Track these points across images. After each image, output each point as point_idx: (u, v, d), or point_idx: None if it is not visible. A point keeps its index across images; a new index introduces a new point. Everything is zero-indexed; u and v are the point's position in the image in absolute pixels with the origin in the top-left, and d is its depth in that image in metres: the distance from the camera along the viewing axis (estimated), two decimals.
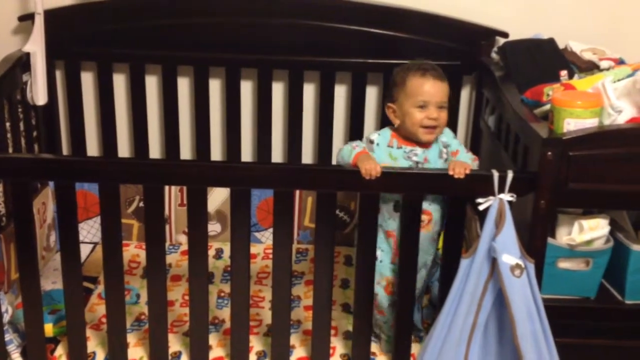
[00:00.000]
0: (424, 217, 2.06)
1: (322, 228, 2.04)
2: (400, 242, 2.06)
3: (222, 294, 2.55)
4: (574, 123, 1.89)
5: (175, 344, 2.29)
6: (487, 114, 2.54)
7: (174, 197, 2.82)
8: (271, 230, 2.08)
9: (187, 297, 2.32)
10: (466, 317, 1.95)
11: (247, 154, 2.85)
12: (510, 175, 1.89)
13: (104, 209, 2.03)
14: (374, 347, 2.26)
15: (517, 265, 1.87)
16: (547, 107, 2.03)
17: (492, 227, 1.89)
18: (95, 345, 2.27)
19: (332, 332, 2.26)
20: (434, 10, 2.63)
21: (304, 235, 2.89)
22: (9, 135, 2.46)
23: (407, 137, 2.15)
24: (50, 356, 2.22)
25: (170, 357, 2.21)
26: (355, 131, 2.75)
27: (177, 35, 2.67)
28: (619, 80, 2.06)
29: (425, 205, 2.09)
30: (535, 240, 1.95)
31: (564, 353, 1.98)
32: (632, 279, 2.03)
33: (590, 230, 1.97)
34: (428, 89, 2.10)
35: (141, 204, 2.80)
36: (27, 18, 2.63)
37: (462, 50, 2.64)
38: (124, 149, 2.86)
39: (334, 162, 2.74)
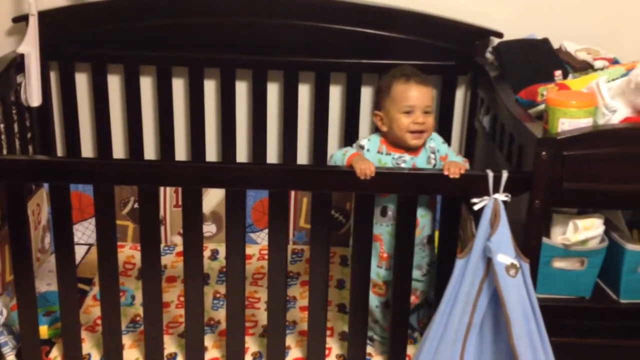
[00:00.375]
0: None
1: (317, 229, 2.04)
2: (395, 245, 2.06)
3: (218, 295, 2.55)
4: (568, 123, 1.90)
5: (170, 345, 2.28)
6: (482, 114, 2.54)
7: (169, 198, 2.82)
8: (266, 231, 2.08)
9: (182, 298, 2.31)
10: (462, 317, 1.95)
11: (242, 154, 2.85)
12: (505, 175, 1.89)
13: (99, 210, 2.03)
14: (369, 348, 2.26)
15: (512, 265, 1.88)
16: (542, 107, 2.04)
17: (487, 227, 1.90)
18: (90, 347, 2.27)
19: (328, 332, 2.26)
20: (428, 10, 2.63)
21: (299, 235, 2.89)
22: (3, 136, 2.45)
23: (396, 143, 2.16)
24: (45, 358, 2.21)
25: (165, 359, 2.21)
26: (350, 132, 2.75)
27: (172, 36, 2.66)
28: (613, 80, 2.07)
29: None
30: (530, 240, 1.96)
31: (560, 352, 1.98)
32: (627, 278, 2.03)
33: (585, 230, 1.97)
34: (413, 95, 2.11)
35: (136, 205, 2.80)
36: (21, 19, 2.62)
37: (456, 50, 2.64)
38: (118, 150, 2.86)
39: (329, 157, 2.75)
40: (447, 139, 2.70)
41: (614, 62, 2.33)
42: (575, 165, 1.90)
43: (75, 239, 2.48)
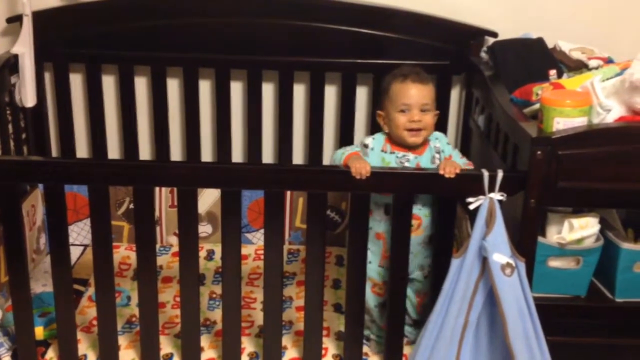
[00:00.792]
0: (413, 222, 2.07)
1: (313, 228, 2.04)
2: (391, 244, 2.06)
3: (214, 295, 2.54)
4: (563, 122, 1.90)
5: (166, 346, 2.28)
6: (477, 113, 2.54)
7: (164, 198, 2.81)
8: (262, 231, 2.08)
9: (178, 299, 2.31)
10: (457, 316, 1.95)
11: (237, 154, 2.85)
12: (500, 174, 1.89)
13: (94, 211, 2.02)
14: (365, 348, 2.26)
15: (508, 264, 1.88)
16: (537, 106, 2.04)
17: (482, 227, 1.90)
18: (86, 348, 2.26)
19: (324, 332, 2.26)
20: (423, 10, 2.64)
21: (295, 235, 2.89)
22: None
23: (399, 142, 2.17)
24: (40, 359, 2.21)
25: (161, 359, 2.20)
26: (345, 131, 2.76)
27: (167, 36, 2.66)
28: (607, 79, 2.07)
29: (415, 210, 2.09)
30: (525, 239, 1.96)
31: (555, 351, 1.98)
32: (622, 277, 2.03)
33: (580, 229, 1.98)
34: (408, 93, 2.12)
35: (131, 206, 2.79)
36: (15, 20, 2.62)
37: (451, 50, 2.64)
38: (113, 151, 2.85)
39: (324, 162, 2.75)
40: None
41: (609, 61, 2.34)
42: (570, 165, 1.90)
43: (71, 240, 2.48)
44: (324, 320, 2.18)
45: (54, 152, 2.83)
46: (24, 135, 2.66)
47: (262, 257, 2.12)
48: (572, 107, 1.90)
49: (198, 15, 2.65)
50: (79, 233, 2.84)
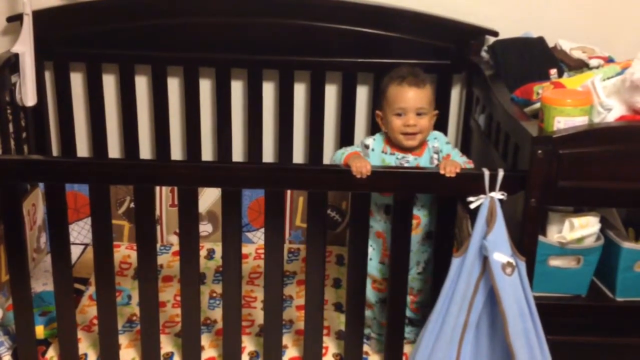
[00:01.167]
0: (412, 222, 2.07)
1: (313, 228, 2.04)
2: (391, 243, 2.06)
3: (214, 295, 2.54)
4: (563, 121, 1.90)
5: (167, 345, 2.28)
6: (478, 112, 2.54)
7: (164, 197, 2.81)
8: (263, 230, 2.07)
9: (178, 298, 2.32)
10: (458, 316, 1.95)
11: (238, 154, 2.85)
12: (501, 173, 1.89)
13: (95, 210, 2.02)
14: (366, 347, 2.26)
15: (509, 264, 1.88)
16: (537, 105, 2.04)
17: (483, 226, 1.90)
18: (86, 347, 2.26)
19: (325, 331, 2.26)
20: (424, 9, 2.64)
21: (295, 235, 2.89)
22: None
23: (397, 143, 2.17)
24: (41, 358, 2.21)
25: (162, 358, 2.20)
26: (346, 131, 2.75)
27: (167, 35, 2.66)
28: (608, 78, 2.07)
29: (414, 209, 2.09)
30: (526, 239, 1.96)
31: (556, 351, 1.98)
32: (622, 276, 2.03)
33: (581, 228, 1.97)
34: (404, 97, 2.11)
35: (132, 205, 2.79)
36: (15, 19, 2.61)
37: (452, 49, 2.64)
38: (114, 150, 2.85)
39: (325, 161, 2.75)
40: None
41: (609, 60, 2.34)
42: (571, 164, 1.90)
43: (71, 239, 2.47)
44: (325, 320, 2.18)
45: (55, 151, 2.83)
46: (24, 135, 2.66)
47: (262, 256, 2.13)
48: (572, 107, 1.90)
49: (199, 14, 2.65)
50: (80, 232, 2.84)
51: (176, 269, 2.23)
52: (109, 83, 2.78)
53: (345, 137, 2.74)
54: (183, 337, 2.16)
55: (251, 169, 2.05)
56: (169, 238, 2.87)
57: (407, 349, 2.21)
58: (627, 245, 2.01)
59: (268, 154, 2.84)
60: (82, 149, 2.85)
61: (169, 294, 2.55)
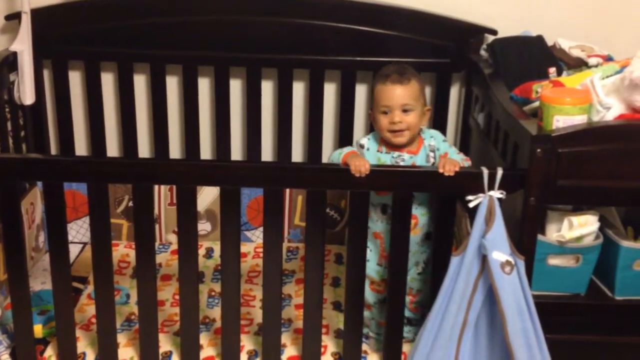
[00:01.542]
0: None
1: (312, 226, 2.04)
2: (390, 243, 2.06)
3: (213, 293, 2.54)
4: (562, 120, 1.90)
5: (165, 344, 2.28)
6: (477, 111, 2.54)
7: (163, 196, 2.81)
8: (261, 229, 2.08)
9: (177, 297, 2.31)
10: (457, 315, 1.95)
11: (236, 152, 2.85)
12: (499, 172, 1.89)
13: (93, 208, 2.02)
14: (365, 346, 2.26)
15: (507, 262, 1.88)
16: (536, 104, 2.04)
17: (482, 225, 1.90)
18: (85, 346, 2.26)
19: (323, 330, 2.26)
20: (423, 8, 2.63)
21: (294, 233, 2.88)
22: None
23: (390, 142, 2.17)
24: (39, 357, 2.21)
25: (161, 357, 2.20)
26: (345, 129, 2.75)
27: (166, 33, 2.66)
28: (607, 77, 2.07)
29: (412, 209, 2.09)
30: (525, 237, 1.96)
31: (555, 349, 1.98)
32: (621, 275, 2.03)
33: (580, 227, 1.97)
34: (388, 94, 2.12)
35: (130, 204, 2.79)
36: (13, 17, 2.61)
37: (451, 47, 2.64)
38: (112, 149, 2.85)
39: (324, 160, 2.75)
40: None
41: (608, 59, 2.33)
42: (570, 162, 1.90)
43: (70, 238, 2.48)
44: (323, 318, 2.18)
45: (53, 150, 2.83)
46: (22, 133, 2.65)
47: (261, 255, 2.13)
48: (571, 105, 1.89)
49: (197, 12, 2.65)
50: (78, 231, 2.84)
51: (175, 268, 2.23)
52: (108, 81, 2.78)
53: (344, 135, 2.74)
54: (182, 336, 2.16)
55: (250, 168, 2.05)
56: (167, 237, 2.87)
57: (405, 348, 2.20)
58: (626, 244, 2.01)
59: (267, 153, 2.84)
60: (81, 147, 2.84)
61: (167, 292, 2.54)
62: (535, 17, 2.63)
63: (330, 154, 2.24)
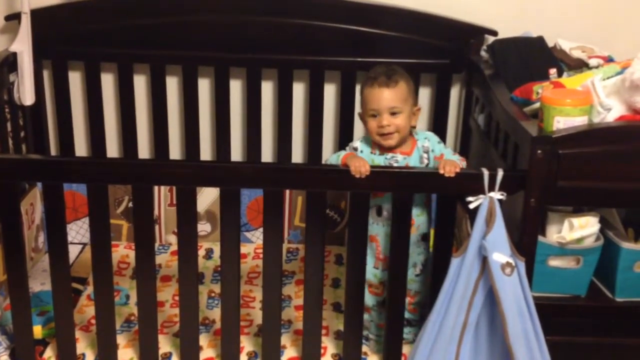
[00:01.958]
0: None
1: (312, 227, 2.03)
2: (390, 244, 2.06)
3: (213, 294, 2.54)
4: (563, 121, 1.89)
5: (165, 345, 2.28)
6: (477, 112, 2.54)
7: (163, 197, 2.81)
8: (261, 229, 2.07)
9: (177, 298, 2.31)
10: (457, 316, 1.95)
11: (236, 153, 2.84)
12: (500, 173, 1.89)
13: (93, 209, 2.02)
14: (365, 347, 2.26)
15: (508, 264, 1.87)
16: (537, 105, 2.03)
17: (482, 226, 1.89)
18: (84, 347, 2.26)
19: (323, 331, 2.26)
20: (423, 8, 2.63)
21: (294, 234, 2.88)
22: None
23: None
24: (39, 358, 2.20)
25: (160, 358, 2.20)
26: (345, 130, 2.75)
27: (166, 34, 2.65)
28: (608, 78, 2.07)
29: None
30: (525, 239, 1.95)
31: (555, 351, 1.98)
32: (622, 276, 2.03)
33: (580, 228, 1.97)
34: (375, 98, 2.11)
35: (130, 204, 2.79)
36: (13, 17, 2.61)
37: (451, 48, 2.64)
38: (112, 149, 2.85)
39: (324, 161, 2.74)
40: (442, 138, 2.69)
41: (609, 60, 2.33)
42: (571, 164, 1.90)
43: (69, 238, 2.47)
44: (323, 320, 2.18)
45: (53, 151, 2.83)
46: (22, 134, 2.65)
47: (261, 256, 2.12)
48: (572, 106, 1.89)
49: (197, 13, 2.64)
50: (78, 231, 2.84)
51: (174, 269, 2.23)
52: (108, 82, 2.77)
53: (344, 136, 2.74)
54: (181, 337, 2.15)
55: (250, 169, 2.04)
56: (167, 237, 2.87)
57: (405, 349, 2.20)
58: (627, 245, 2.01)
59: (267, 154, 2.84)
60: (81, 148, 2.84)
61: (167, 293, 2.54)
62: (536, 17, 2.63)
63: (329, 156, 2.24)
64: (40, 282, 2.53)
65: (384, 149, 2.17)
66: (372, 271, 2.22)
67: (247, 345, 2.30)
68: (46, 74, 2.75)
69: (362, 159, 1.98)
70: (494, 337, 1.99)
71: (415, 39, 2.63)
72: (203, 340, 2.29)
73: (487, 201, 1.89)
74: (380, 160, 2.16)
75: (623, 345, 2.07)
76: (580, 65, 2.34)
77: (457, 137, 2.80)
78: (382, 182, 1.97)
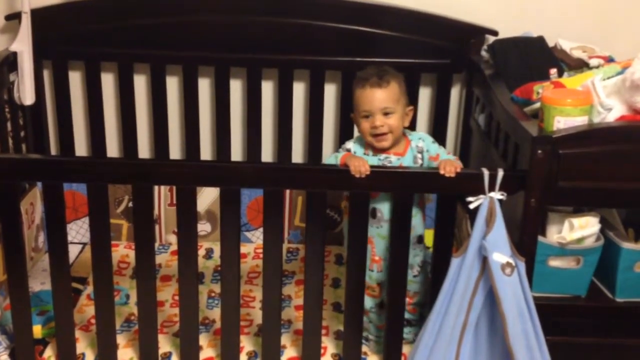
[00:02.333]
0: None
1: (312, 227, 2.03)
2: (390, 244, 2.05)
3: (213, 294, 2.54)
4: (563, 121, 1.89)
5: (165, 345, 2.28)
6: (477, 112, 2.54)
7: (163, 196, 2.81)
8: (261, 229, 2.07)
9: (177, 298, 2.30)
10: (457, 316, 1.95)
11: (236, 153, 2.84)
12: (500, 173, 1.89)
13: (93, 209, 2.02)
14: (364, 347, 2.26)
15: (508, 264, 1.87)
16: (537, 105, 2.03)
17: (482, 226, 1.89)
18: (84, 347, 2.26)
19: (323, 331, 2.26)
20: (424, 8, 2.63)
21: (294, 234, 2.88)
22: None
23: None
24: (39, 358, 2.20)
25: (160, 358, 2.20)
26: (345, 130, 2.75)
27: (166, 34, 2.65)
28: (608, 78, 2.07)
29: None
30: (525, 239, 1.95)
31: (555, 351, 1.98)
32: (622, 276, 2.03)
33: (581, 229, 1.97)
34: (367, 99, 2.11)
35: (130, 204, 2.79)
36: (13, 17, 2.61)
37: (451, 48, 2.64)
38: (112, 149, 2.85)
39: (324, 161, 2.74)
40: (443, 138, 2.70)
41: (609, 60, 2.33)
42: (571, 164, 1.89)
43: (69, 238, 2.47)
44: (323, 319, 2.18)
45: (53, 150, 2.83)
46: (22, 133, 2.65)
47: (261, 255, 2.12)
48: (572, 106, 1.89)
49: (197, 13, 2.64)
50: (78, 231, 2.84)
51: (174, 269, 2.23)
52: (108, 82, 2.77)
53: (344, 136, 2.73)
54: (181, 336, 2.15)
55: (250, 168, 2.04)
56: (167, 237, 2.87)
57: (405, 349, 2.20)
58: (627, 245, 2.01)
59: (267, 153, 2.84)
60: (81, 148, 2.84)
61: (167, 293, 2.54)
62: (536, 17, 2.63)
63: (331, 154, 2.23)
64: (40, 282, 2.53)
65: (377, 150, 2.16)
66: (368, 273, 2.21)
67: (247, 345, 2.30)
68: (46, 74, 2.75)
69: (362, 158, 1.98)
70: (494, 337, 1.99)
71: (415, 39, 2.63)
72: (203, 340, 2.28)
73: (488, 201, 1.89)
74: (373, 161, 2.15)
75: (623, 345, 2.07)
76: (580, 65, 2.34)
77: (458, 137, 2.80)
78: (382, 181, 1.97)
